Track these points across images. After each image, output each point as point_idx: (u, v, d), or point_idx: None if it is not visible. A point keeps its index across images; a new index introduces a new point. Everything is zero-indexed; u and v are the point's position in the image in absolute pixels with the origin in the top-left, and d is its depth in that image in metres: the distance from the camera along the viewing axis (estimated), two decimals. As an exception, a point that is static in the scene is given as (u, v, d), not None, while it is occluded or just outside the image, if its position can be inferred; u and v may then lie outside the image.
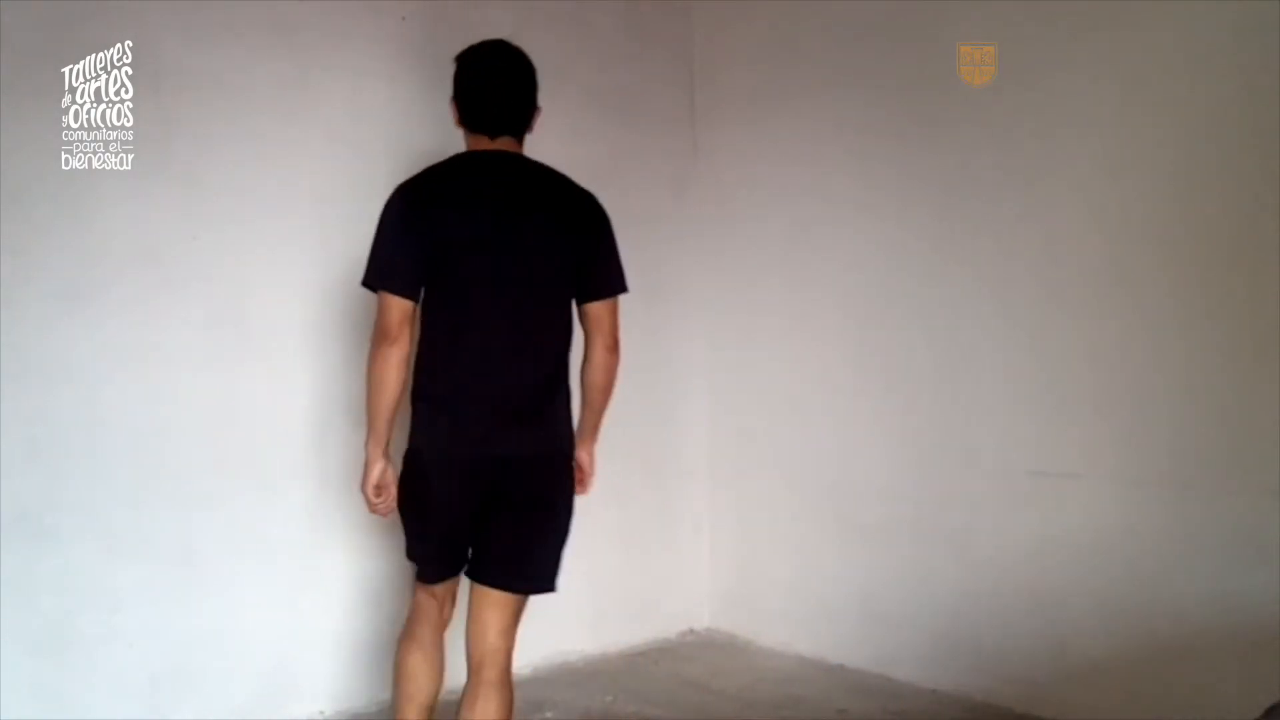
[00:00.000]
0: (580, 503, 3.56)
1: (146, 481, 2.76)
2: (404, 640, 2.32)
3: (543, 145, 3.49)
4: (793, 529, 3.25)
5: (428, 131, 2.99)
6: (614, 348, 2.32)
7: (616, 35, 3.74)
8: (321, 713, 3.02)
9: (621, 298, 2.32)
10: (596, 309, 2.28)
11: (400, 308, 2.14)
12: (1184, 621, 2.60)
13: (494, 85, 2.27)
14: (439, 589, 2.30)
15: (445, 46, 3.28)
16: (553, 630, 3.52)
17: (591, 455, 2.45)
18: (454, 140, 2.93)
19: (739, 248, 3.79)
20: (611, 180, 3.69)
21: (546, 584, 2.30)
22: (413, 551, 2.30)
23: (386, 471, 2.23)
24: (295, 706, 2.97)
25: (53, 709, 2.60)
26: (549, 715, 3.05)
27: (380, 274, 2.17)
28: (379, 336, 2.15)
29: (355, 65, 3.11)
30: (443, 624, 2.34)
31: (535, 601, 3.41)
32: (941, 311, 3.15)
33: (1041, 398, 2.91)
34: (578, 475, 2.39)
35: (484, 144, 2.25)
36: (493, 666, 2.21)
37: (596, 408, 2.39)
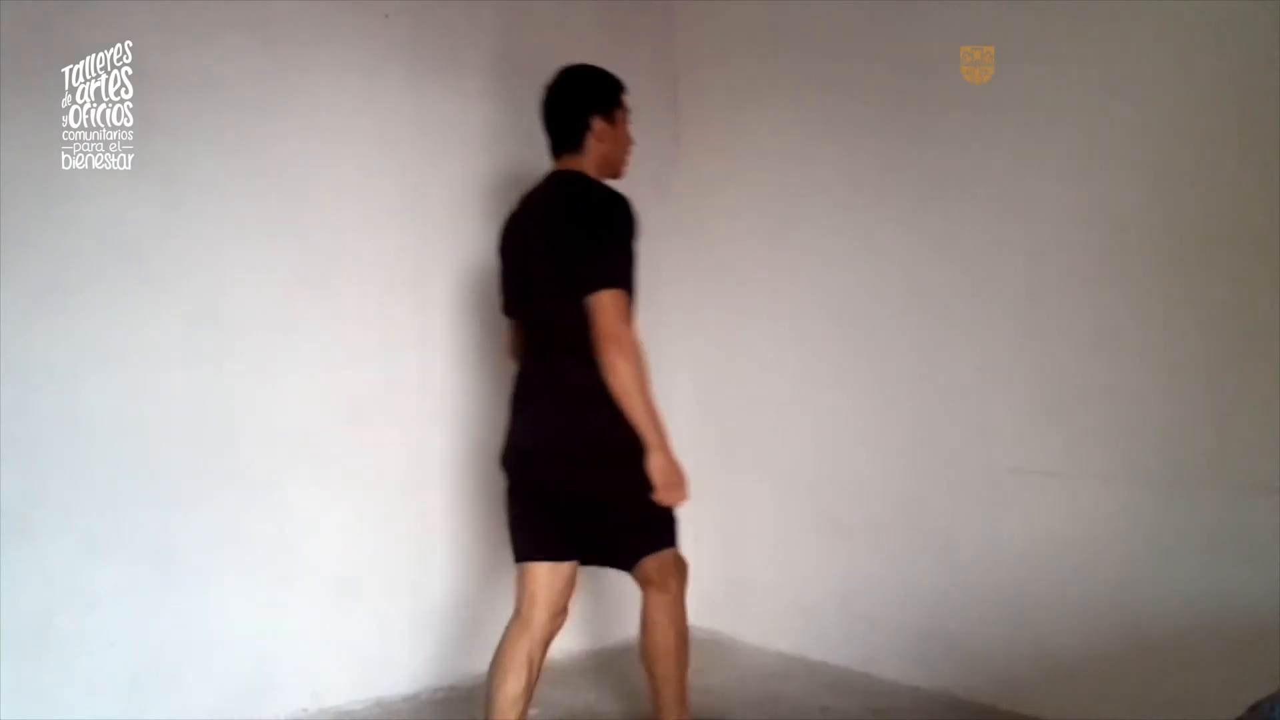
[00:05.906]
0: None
1: (126, 480, 2.75)
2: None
3: (526, 145, 3.51)
4: (775, 527, 3.25)
5: (408, 127, 2.99)
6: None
7: (599, 35, 3.73)
8: (305, 710, 3.01)
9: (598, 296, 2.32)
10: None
11: None
12: (1167, 619, 2.60)
13: (543, 113, 2.43)
14: None
15: (428, 44, 3.32)
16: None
17: None
18: (442, 133, 2.91)
19: (721, 246, 3.79)
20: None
21: None
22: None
23: None
24: (277, 704, 2.97)
25: (32, 708, 2.59)
26: (532, 713, 3.04)
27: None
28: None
29: (336, 62, 3.10)
30: None
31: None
32: (924, 309, 3.16)
33: (1024, 395, 2.92)
34: None
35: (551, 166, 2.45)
36: None
37: None
